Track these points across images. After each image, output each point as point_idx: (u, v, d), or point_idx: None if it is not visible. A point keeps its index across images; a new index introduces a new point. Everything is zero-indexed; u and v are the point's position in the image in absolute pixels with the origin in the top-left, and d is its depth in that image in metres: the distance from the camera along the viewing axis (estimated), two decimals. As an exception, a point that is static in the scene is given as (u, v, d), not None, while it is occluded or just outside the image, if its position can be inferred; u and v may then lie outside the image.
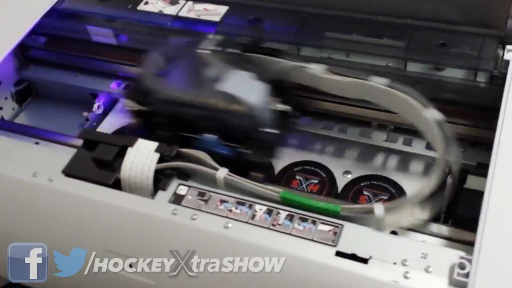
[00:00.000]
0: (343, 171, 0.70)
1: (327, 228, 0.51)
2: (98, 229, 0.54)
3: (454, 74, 0.66)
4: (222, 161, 0.57)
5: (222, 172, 0.56)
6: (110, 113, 0.85)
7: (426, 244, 0.49)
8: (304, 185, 0.68)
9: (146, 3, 0.77)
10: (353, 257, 0.48)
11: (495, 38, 0.63)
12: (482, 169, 0.61)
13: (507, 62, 0.60)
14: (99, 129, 0.82)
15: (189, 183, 0.56)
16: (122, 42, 0.81)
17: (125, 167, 0.57)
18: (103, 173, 0.58)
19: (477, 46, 0.63)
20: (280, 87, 0.65)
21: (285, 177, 0.69)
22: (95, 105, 0.84)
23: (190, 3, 0.76)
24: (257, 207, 0.53)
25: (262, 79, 0.63)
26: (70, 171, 0.58)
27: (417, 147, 0.68)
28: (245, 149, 0.61)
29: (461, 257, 0.45)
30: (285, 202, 0.53)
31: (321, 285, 0.48)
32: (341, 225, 0.51)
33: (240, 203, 0.54)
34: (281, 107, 0.63)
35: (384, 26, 0.68)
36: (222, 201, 0.54)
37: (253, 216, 0.53)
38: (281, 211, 0.52)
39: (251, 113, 0.61)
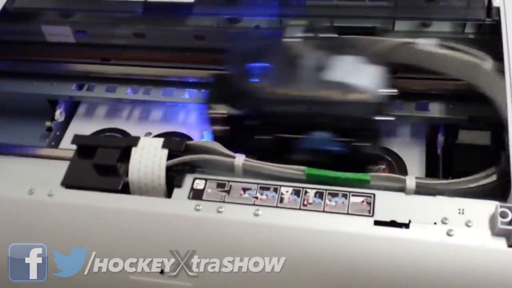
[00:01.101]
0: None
1: (359, 199, 0.53)
2: (120, 238, 0.54)
3: (442, 28, 0.69)
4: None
5: (240, 159, 0.57)
6: (73, 119, 0.84)
7: (460, 199, 0.52)
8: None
9: (108, -10, 0.76)
10: (393, 223, 0.51)
11: (480, -14, 0.67)
12: (473, 123, 0.66)
13: (497, 8, 0.64)
14: (66, 138, 0.81)
15: (204, 175, 0.57)
16: (83, 39, 0.79)
17: (133, 169, 0.57)
18: (108, 179, 0.58)
19: (463, -4, 0.67)
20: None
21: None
22: (57, 112, 0.82)
23: (158, -14, 0.75)
24: (283, 189, 0.55)
25: (371, 61, 0.61)
26: (71, 182, 0.58)
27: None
28: (360, 142, 0.59)
29: (500, 206, 0.49)
30: (310, 179, 0.55)
31: (367, 257, 0.50)
32: (373, 194, 0.53)
33: (264, 188, 0.55)
34: (388, 91, 0.60)
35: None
36: (245, 189, 0.56)
37: (281, 200, 0.54)
38: (308, 190, 0.55)
39: (373, 100, 0.58)
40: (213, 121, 0.63)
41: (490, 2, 0.65)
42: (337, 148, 0.59)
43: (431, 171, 0.67)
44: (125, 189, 0.57)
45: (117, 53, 0.81)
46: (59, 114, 0.81)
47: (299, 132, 0.60)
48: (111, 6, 0.74)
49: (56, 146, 0.80)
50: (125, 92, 0.79)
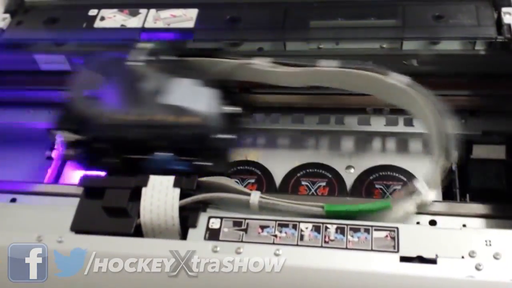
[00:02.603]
0: (345, 167, 0.71)
1: (383, 234, 0.52)
2: (137, 284, 0.52)
3: (451, 46, 0.68)
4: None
5: (256, 196, 0.55)
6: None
7: (487, 230, 0.51)
8: (313, 190, 0.69)
9: (102, 18, 0.74)
10: (420, 259, 0.50)
11: (487, 2, 0.66)
12: (487, 137, 0.65)
13: (508, 25, 0.63)
14: (67, 166, 0.79)
15: (219, 213, 0.56)
16: (77, 66, 0.77)
17: (144, 211, 0.55)
18: (119, 221, 0.56)
19: (473, 13, 0.65)
20: (224, 88, 0.64)
21: (291, 186, 0.70)
22: (58, 141, 0.80)
23: (153, 11, 0.73)
24: (302, 226, 0.53)
25: (206, 84, 0.63)
26: (81, 227, 0.56)
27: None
28: (203, 161, 0.60)
29: (528, 238, 0.48)
30: (330, 215, 0.54)
31: (394, 297, 0.49)
32: (396, 227, 0.52)
33: (283, 225, 0.54)
34: (230, 109, 0.63)
35: (370, 6, 0.70)
36: (262, 227, 0.54)
37: (302, 237, 0.53)
38: (329, 225, 0.53)
39: (204, 123, 0.60)
40: (65, 145, 0.63)
41: (500, 19, 0.64)
42: (180, 167, 0.60)
43: (447, 188, 0.66)
44: (138, 231, 0.55)
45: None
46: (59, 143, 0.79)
47: (145, 153, 0.60)
48: (110, 34, 0.71)
49: (58, 176, 0.78)
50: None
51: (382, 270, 0.49)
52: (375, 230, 0.52)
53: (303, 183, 0.70)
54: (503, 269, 0.48)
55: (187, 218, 0.55)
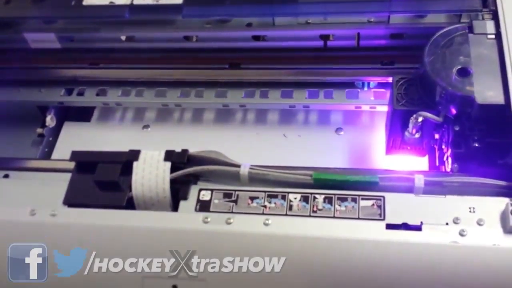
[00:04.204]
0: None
1: (369, 203, 0.53)
2: (129, 255, 0.53)
3: (437, 19, 0.69)
4: None
5: (246, 168, 0.56)
6: (65, 124, 0.82)
7: (471, 198, 0.52)
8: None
9: (91, -5, 0.74)
10: (405, 226, 0.51)
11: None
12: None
13: (494, -3, 0.63)
14: (59, 143, 0.80)
15: (210, 186, 0.57)
16: (68, 44, 0.77)
17: (136, 184, 0.56)
18: (111, 195, 0.57)
19: (458, -14, 0.66)
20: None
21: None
22: (48, 118, 0.81)
23: (141, -13, 0.73)
24: (291, 196, 0.55)
25: None
26: (73, 200, 0.57)
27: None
28: None
29: (511, 204, 0.49)
30: (318, 183, 0.55)
31: (380, 261, 0.50)
32: (382, 196, 0.53)
33: (272, 196, 0.55)
34: None
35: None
36: (252, 198, 0.55)
37: (290, 207, 0.54)
38: (317, 195, 0.54)
39: None
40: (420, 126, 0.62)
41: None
42: None
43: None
44: (130, 204, 0.56)
45: (105, 57, 0.79)
46: (50, 120, 0.80)
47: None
48: (98, 11, 0.72)
49: (49, 152, 0.79)
50: (116, 95, 0.78)
51: (369, 237, 0.51)
52: (362, 199, 0.54)
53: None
54: (486, 235, 0.50)
55: (178, 191, 0.56)
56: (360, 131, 0.75)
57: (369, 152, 0.73)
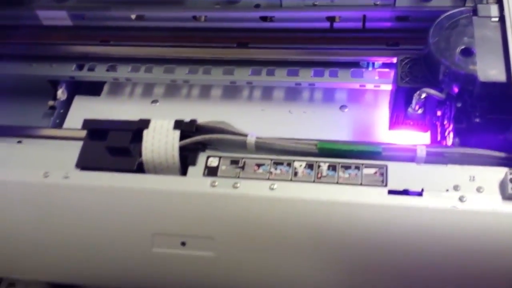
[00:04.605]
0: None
1: (372, 170, 0.55)
2: (139, 216, 0.55)
3: (443, 3, 0.70)
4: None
5: (252, 137, 0.58)
6: (75, 97, 0.84)
7: (471, 167, 0.54)
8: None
9: (104, -28, 0.76)
10: (406, 192, 0.53)
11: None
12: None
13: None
14: (69, 115, 0.82)
15: (218, 153, 0.58)
16: (80, 22, 0.79)
17: (146, 150, 0.58)
18: (123, 160, 0.58)
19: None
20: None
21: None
22: (59, 91, 0.83)
23: (151, -35, 0.75)
24: (296, 164, 0.56)
25: None
26: (86, 164, 0.58)
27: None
28: None
29: (510, 173, 0.51)
30: (323, 153, 0.57)
31: (382, 225, 0.52)
32: (385, 165, 0.55)
33: (278, 163, 0.56)
34: None
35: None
36: (259, 165, 0.57)
37: (295, 174, 0.56)
38: (322, 163, 0.56)
39: None
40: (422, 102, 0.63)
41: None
42: None
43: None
44: (140, 169, 0.58)
45: (115, 35, 0.81)
46: (61, 93, 0.82)
47: None
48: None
49: (60, 124, 0.81)
50: (126, 71, 0.80)
51: (371, 202, 0.52)
52: (365, 167, 0.55)
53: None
54: (485, 201, 0.51)
55: (186, 158, 0.58)
56: (363, 109, 0.77)
57: (372, 128, 0.74)
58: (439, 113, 0.68)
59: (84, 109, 0.82)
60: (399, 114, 0.67)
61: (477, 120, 0.60)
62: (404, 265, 0.52)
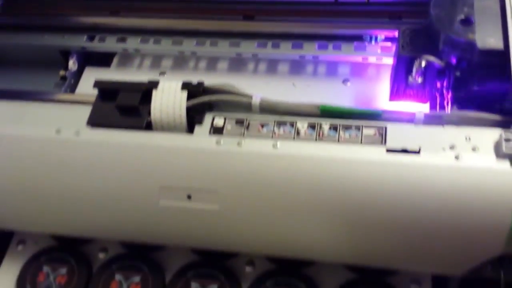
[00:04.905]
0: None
1: (372, 131, 0.57)
2: (146, 171, 0.57)
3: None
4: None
5: (257, 98, 0.60)
6: (86, 68, 0.86)
7: (467, 128, 0.56)
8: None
9: None
10: (404, 151, 0.55)
11: None
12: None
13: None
14: (80, 85, 0.84)
15: (223, 114, 0.60)
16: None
17: (155, 110, 0.60)
18: (132, 118, 0.60)
19: None
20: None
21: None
22: (70, 62, 0.84)
23: None
24: (299, 124, 0.58)
25: None
26: (97, 122, 0.60)
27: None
28: None
29: (505, 132, 0.53)
30: (325, 114, 0.59)
31: (380, 182, 0.54)
32: (385, 126, 0.57)
33: (281, 123, 0.59)
34: None
35: None
36: (262, 125, 0.59)
37: (298, 133, 0.58)
38: (323, 124, 0.58)
39: None
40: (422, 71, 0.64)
41: None
42: None
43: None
44: (148, 128, 0.60)
45: (125, 6, 0.83)
46: (72, 64, 0.83)
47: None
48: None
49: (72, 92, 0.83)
50: (135, 42, 0.82)
51: (370, 159, 0.54)
52: (365, 128, 0.57)
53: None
54: (480, 159, 0.53)
55: (193, 117, 0.60)
56: (365, 83, 0.79)
57: (373, 101, 0.76)
58: (438, 84, 0.70)
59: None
60: (399, 85, 0.69)
61: (475, 88, 0.62)
62: (400, 218, 0.54)
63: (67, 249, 0.69)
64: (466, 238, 0.53)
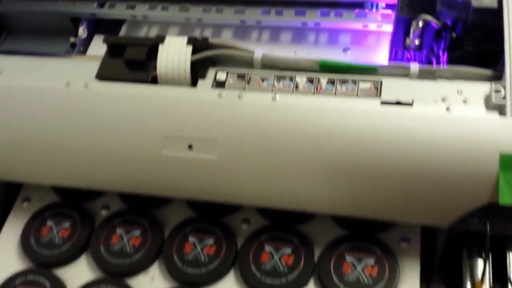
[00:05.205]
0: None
1: (368, 85, 0.59)
2: (151, 122, 0.60)
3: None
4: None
5: (259, 53, 0.62)
6: (95, 36, 0.89)
7: (459, 82, 0.58)
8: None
9: None
10: (398, 103, 0.57)
11: None
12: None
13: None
14: (88, 53, 0.86)
15: (226, 69, 0.63)
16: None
17: (161, 64, 0.62)
18: (139, 72, 0.63)
19: None
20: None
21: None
22: (80, 29, 0.87)
23: None
24: (298, 78, 0.61)
25: None
26: (105, 75, 0.63)
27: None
28: None
29: (495, 84, 0.55)
30: (324, 69, 0.61)
31: (375, 133, 0.56)
32: (380, 80, 0.59)
33: (281, 77, 0.61)
34: None
35: None
36: (263, 79, 0.61)
37: (297, 87, 0.60)
38: (321, 78, 0.60)
39: None
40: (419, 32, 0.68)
41: None
42: None
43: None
44: (154, 82, 0.63)
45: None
46: (82, 31, 0.86)
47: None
48: None
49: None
50: (144, 9, 0.84)
51: (365, 111, 0.57)
52: (361, 82, 0.60)
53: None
54: (470, 110, 0.55)
55: (197, 71, 0.63)
56: (365, 51, 0.80)
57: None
58: (435, 48, 0.72)
59: (103, 47, 0.86)
60: (398, 48, 0.72)
61: (470, 47, 0.64)
62: (392, 167, 0.56)
63: (71, 204, 0.72)
64: (456, 186, 0.55)
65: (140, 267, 0.66)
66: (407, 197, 0.57)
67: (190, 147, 0.59)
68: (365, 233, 0.65)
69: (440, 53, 0.70)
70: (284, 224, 0.67)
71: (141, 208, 0.71)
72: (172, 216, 0.70)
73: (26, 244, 0.69)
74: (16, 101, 0.63)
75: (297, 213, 0.67)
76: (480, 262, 0.61)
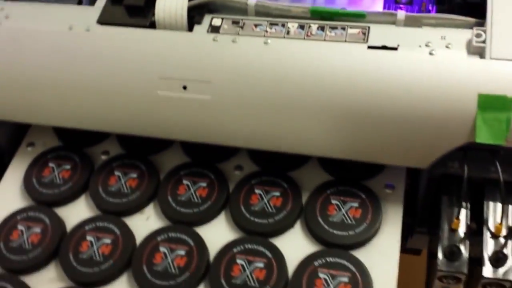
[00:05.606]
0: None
1: (356, 30, 0.61)
2: (148, 63, 0.62)
3: None
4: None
5: (253, 0, 0.65)
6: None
7: (443, 29, 0.60)
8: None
9: None
10: (384, 47, 0.59)
11: None
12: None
13: None
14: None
15: (221, 15, 0.65)
16: None
17: (159, 10, 0.65)
18: (138, 18, 0.66)
19: None
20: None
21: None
22: None
23: None
24: (289, 24, 0.63)
25: None
26: (106, 20, 0.66)
27: None
28: None
29: (476, 29, 0.57)
30: (315, 15, 0.63)
31: (361, 76, 0.58)
32: (368, 26, 0.61)
33: (273, 24, 0.63)
34: None
35: None
36: (256, 25, 0.64)
37: (288, 32, 0.62)
38: (312, 24, 0.63)
39: None
40: None
41: None
42: None
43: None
44: (152, 27, 0.66)
45: None
46: None
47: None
48: None
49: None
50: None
51: (352, 54, 0.59)
52: (350, 28, 0.62)
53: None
54: (452, 54, 0.58)
55: (193, 18, 0.65)
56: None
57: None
58: (424, 4, 0.74)
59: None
60: (390, 3, 0.74)
61: (457, 0, 0.66)
62: (376, 108, 0.58)
63: (72, 149, 0.75)
64: (437, 125, 0.57)
65: (136, 207, 0.69)
66: (391, 136, 0.59)
67: (184, 88, 0.62)
68: (352, 179, 0.68)
69: (430, 7, 0.72)
70: (275, 170, 0.70)
71: (139, 153, 0.74)
72: (168, 161, 0.73)
73: (28, 184, 0.72)
74: (22, 43, 0.66)
75: (287, 160, 0.69)
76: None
